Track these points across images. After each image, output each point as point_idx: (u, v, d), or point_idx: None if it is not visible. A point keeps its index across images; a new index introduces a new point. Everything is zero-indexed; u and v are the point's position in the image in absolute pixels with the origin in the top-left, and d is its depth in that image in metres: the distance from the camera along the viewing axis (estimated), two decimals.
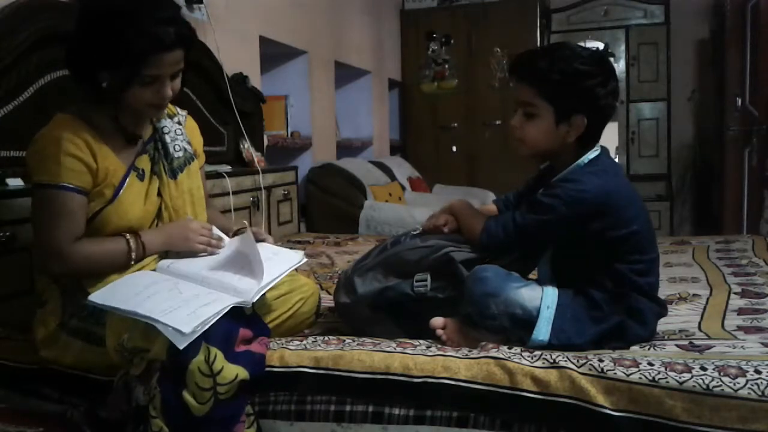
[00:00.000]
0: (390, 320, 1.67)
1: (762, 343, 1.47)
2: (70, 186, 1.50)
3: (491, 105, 5.60)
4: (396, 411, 1.41)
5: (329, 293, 2.05)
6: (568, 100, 1.54)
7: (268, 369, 1.47)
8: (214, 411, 1.36)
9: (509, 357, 1.41)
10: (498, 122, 5.59)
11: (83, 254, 1.53)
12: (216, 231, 1.67)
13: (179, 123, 1.73)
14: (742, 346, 1.45)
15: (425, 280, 1.65)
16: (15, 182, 1.92)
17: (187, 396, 1.35)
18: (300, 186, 3.83)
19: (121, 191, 1.59)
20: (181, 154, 1.70)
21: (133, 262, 1.56)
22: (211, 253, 1.63)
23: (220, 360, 1.35)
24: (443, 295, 1.64)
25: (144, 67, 1.47)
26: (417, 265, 1.67)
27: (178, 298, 1.44)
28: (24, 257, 1.87)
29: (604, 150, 1.63)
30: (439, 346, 1.52)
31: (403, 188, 4.81)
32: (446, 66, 5.72)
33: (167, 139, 1.69)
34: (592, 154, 1.59)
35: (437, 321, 1.58)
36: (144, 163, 1.65)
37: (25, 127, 1.97)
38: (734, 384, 1.25)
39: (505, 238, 1.59)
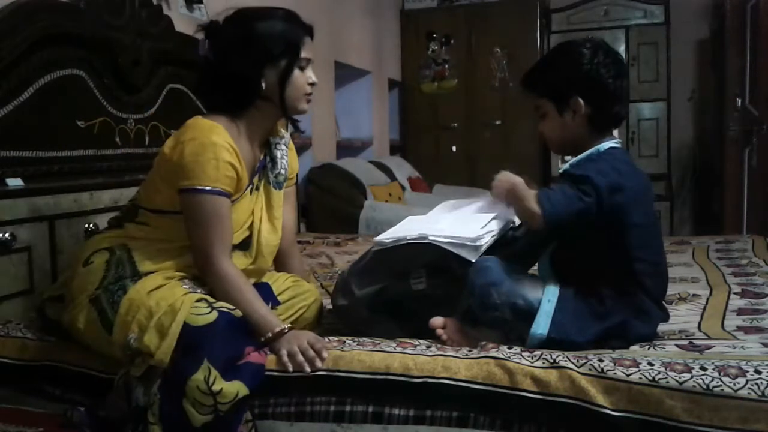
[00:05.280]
0: (389, 320, 1.67)
1: (762, 343, 1.47)
2: (225, 191, 1.55)
3: (491, 105, 5.60)
4: (396, 411, 1.41)
5: (329, 293, 2.06)
6: (557, 85, 1.58)
7: (268, 372, 1.47)
8: (213, 422, 1.37)
9: (509, 357, 1.41)
10: (498, 122, 5.59)
11: (228, 275, 1.53)
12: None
13: (285, 145, 1.79)
14: (742, 346, 1.45)
15: (421, 277, 1.65)
16: (15, 182, 1.92)
17: (187, 405, 1.36)
18: (300, 186, 3.83)
19: (237, 202, 1.63)
20: (283, 172, 1.77)
21: (262, 339, 1.50)
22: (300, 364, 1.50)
23: (218, 382, 1.36)
24: (441, 291, 1.64)
25: (302, 49, 1.63)
26: (412, 262, 1.67)
27: (457, 222, 1.65)
28: (24, 257, 1.87)
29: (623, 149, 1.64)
30: (439, 345, 1.52)
31: (403, 188, 4.80)
32: (446, 66, 5.72)
33: (278, 154, 1.75)
34: (611, 143, 1.59)
35: (437, 321, 1.58)
36: (256, 179, 1.71)
37: (25, 127, 1.98)
38: (734, 384, 1.25)
39: (566, 202, 1.47)
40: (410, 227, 1.70)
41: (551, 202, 1.48)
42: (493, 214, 1.65)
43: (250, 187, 1.68)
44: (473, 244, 1.55)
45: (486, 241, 1.56)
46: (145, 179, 1.69)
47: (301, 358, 1.46)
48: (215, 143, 1.53)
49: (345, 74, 4.95)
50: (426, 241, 1.59)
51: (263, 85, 1.62)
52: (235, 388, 1.37)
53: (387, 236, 1.68)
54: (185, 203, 1.55)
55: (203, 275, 1.57)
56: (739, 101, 4.48)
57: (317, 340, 1.50)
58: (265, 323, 1.51)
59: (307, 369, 1.45)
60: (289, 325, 1.54)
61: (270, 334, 1.49)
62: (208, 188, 1.53)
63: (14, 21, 1.91)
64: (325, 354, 1.47)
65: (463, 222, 1.66)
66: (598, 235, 1.52)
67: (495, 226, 1.62)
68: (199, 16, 2.97)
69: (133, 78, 2.35)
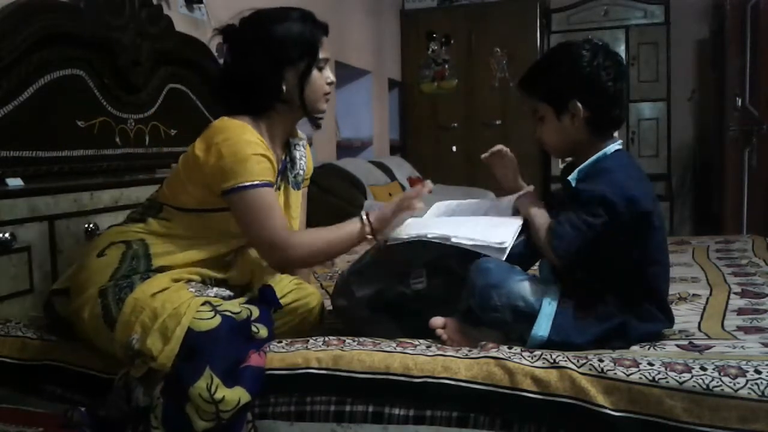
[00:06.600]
0: (389, 320, 1.67)
1: (762, 343, 1.47)
2: (267, 182, 1.58)
3: (491, 105, 5.60)
4: (396, 411, 1.41)
5: (329, 293, 2.05)
6: (555, 89, 1.57)
7: (268, 372, 1.47)
8: (216, 428, 1.37)
9: (509, 357, 1.41)
10: (498, 122, 5.59)
11: (306, 240, 1.61)
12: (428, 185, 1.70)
13: (303, 146, 1.82)
14: (742, 346, 1.45)
15: (421, 277, 1.65)
16: (15, 182, 1.92)
17: (189, 411, 1.36)
18: None
19: None
20: (301, 172, 1.80)
21: (368, 236, 1.62)
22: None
23: (220, 390, 1.36)
24: (441, 291, 1.63)
25: (320, 50, 1.67)
26: (411, 262, 1.66)
27: (478, 226, 1.62)
28: (24, 257, 1.87)
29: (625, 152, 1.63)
30: (439, 345, 1.52)
31: (403, 188, 4.80)
32: (446, 66, 5.72)
33: (297, 155, 1.79)
34: (615, 147, 1.58)
35: (437, 321, 1.58)
36: (278, 179, 1.73)
37: (25, 127, 1.98)
38: (734, 384, 1.25)
39: (577, 236, 1.47)
40: (429, 227, 1.65)
41: (562, 244, 1.49)
42: (514, 219, 1.65)
43: (275, 184, 1.69)
44: (499, 246, 1.54)
45: (510, 243, 1.55)
46: (168, 178, 1.70)
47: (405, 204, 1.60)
48: (249, 141, 1.56)
49: (345, 74, 4.95)
50: (449, 243, 1.58)
51: (284, 87, 1.63)
52: (237, 395, 1.37)
53: (407, 231, 1.65)
54: (234, 203, 1.57)
55: (276, 265, 1.65)
56: (739, 101, 4.48)
57: (401, 199, 1.62)
58: (358, 234, 1.61)
59: (419, 205, 1.60)
60: (364, 217, 1.62)
61: (368, 235, 1.61)
62: (256, 183, 1.55)
63: (14, 21, 1.91)
64: (425, 188, 1.64)
65: (486, 226, 1.64)
66: (621, 241, 1.51)
67: (516, 228, 1.60)
68: (199, 16, 2.97)
69: (133, 78, 2.35)
